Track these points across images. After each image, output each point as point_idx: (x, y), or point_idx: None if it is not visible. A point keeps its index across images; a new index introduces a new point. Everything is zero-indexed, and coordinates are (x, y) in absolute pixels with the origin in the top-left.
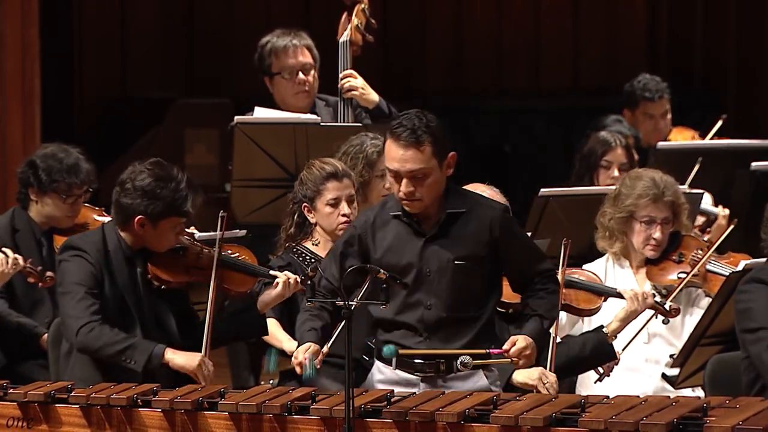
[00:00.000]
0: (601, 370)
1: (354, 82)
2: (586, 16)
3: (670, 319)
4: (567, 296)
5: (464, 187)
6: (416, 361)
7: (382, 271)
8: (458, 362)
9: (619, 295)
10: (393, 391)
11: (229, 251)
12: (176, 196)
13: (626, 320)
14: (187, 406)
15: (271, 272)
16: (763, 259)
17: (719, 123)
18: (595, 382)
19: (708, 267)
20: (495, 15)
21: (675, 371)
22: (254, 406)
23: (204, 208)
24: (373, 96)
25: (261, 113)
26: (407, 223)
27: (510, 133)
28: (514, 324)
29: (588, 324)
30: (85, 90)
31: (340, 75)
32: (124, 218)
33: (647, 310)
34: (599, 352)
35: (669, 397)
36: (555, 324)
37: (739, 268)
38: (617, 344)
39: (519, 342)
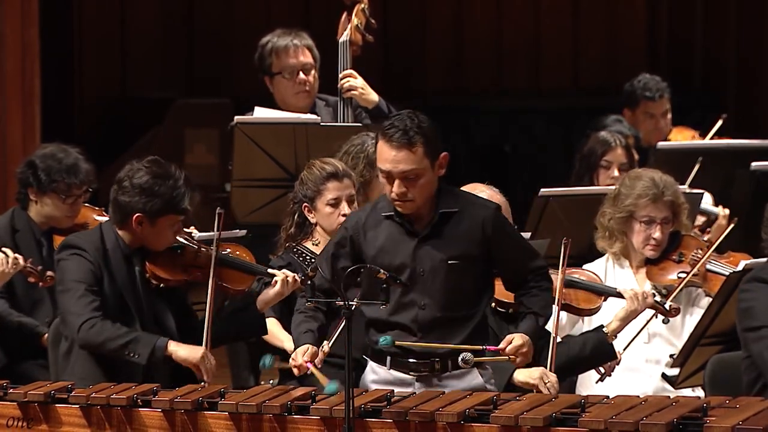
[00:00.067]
0: (602, 369)
1: (354, 82)
2: (586, 16)
3: (670, 319)
4: (567, 296)
5: (462, 188)
6: (411, 360)
7: (381, 270)
8: (460, 359)
9: (619, 295)
10: (393, 391)
11: (228, 250)
12: (174, 194)
13: (626, 320)
14: (187, 406)
15: (270, 270)
16: (764, 259)
17: (719, 123)
18: (597, 382)
19: (708, 266)
20: (495, 15)
21: (675, 371)
22: (254, 406)
23: (203, 207)
24: (373, 96)
25: (261, 113)
26: (400, 223)
27: (510, 133)
28: (514, 324)
29: (588, 324)
30: (85, 90)
31: (340, 75)
32: (122, 216)
33: (647, 309)
34: (599, 352)
35: (669, 397)
36: (555, 324)
37: (739, 267)
38: (617, 344)
39: (515, 340)
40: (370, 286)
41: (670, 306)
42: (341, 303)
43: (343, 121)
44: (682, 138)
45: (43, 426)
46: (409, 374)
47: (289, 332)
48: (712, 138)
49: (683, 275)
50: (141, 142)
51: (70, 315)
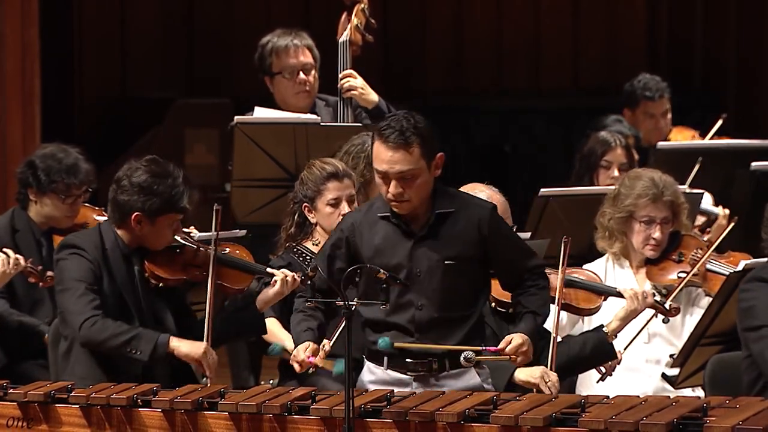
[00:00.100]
0: (603, 369)
1: (353, 82)
2: (586, 16)
3: (670, 319)
4: (567, 295)
5: (462, 187)
6: (408, 360)
7: (381, 270)
8: (462, 358)
9: (619, 295)
10: (393, 391)
11: (227, 249)
12: (173, 192)
13: (626, 319)
14: (187, 406)
15: (269, 270)
16: (764, 259)
17: (719, 122)
18: (598, 382)
19: (708, 266)
20: (495, 15)
21: (675, 371)
22: (254, 406)
23: (203, 207)
24: (373, 96)
25: (261, 113)
26: (396, 224)
27: (510, 133)
28: (513, 323)
29: (588, 323)
30: (85, 90)
31: (340, 75)
32: (121, 215)
33: (647, 309)
34: (599, 352)
35: (669, 397)
36: (555, 324)
37: (739, 267)
38: (617, 344)
39: (515, 340)
40: (369, 286)
41: (670, 305)
42: (341, 303)
43: (343, 121)
44: (682, 138)
45: (43, 426)
46: (407, 374)
47: (289, 332)
48: (712, 138)
49: (683, 275)
50: (141, 142)
51: (71, 314)
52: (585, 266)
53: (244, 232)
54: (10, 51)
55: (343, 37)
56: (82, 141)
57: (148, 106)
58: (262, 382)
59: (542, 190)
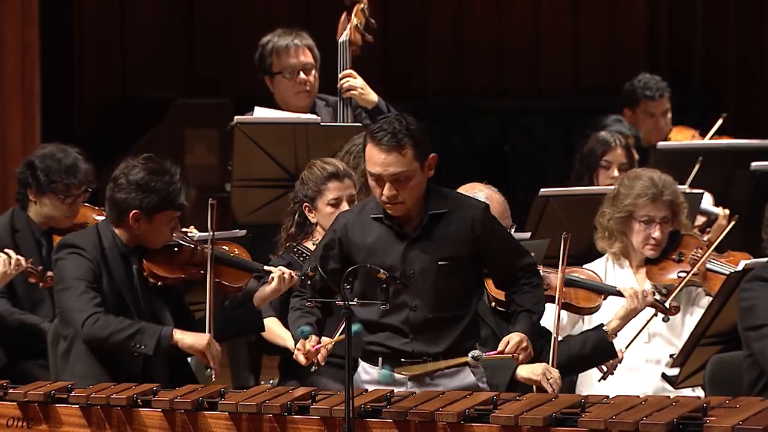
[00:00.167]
0: (604, 368)
1: (353, 82)
2: (586, 16)
3: (671, 317)
4: (567, 295)
5: (462, 187)
6: (403, 360)
7: (381, 270)
8: (470, 356)
9: (619, 294)
10: (393, 391)
11: (225, 248)
12: (170, 189)
13: (626, 318)
14: (187, 406)
15: (266, 267)
16: (764, 259)
17: (719, 122)
18: (599, 381)
19: (708, 266)
20: (495, 15)
21: (675, 371)
22: (254, 406)
23: (203, 207)
24: (372, 96)
25: (261, 113)
26: (389, 225)
27: (510, 133)
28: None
29: (588, 323)
30: (85, 90)
31: (340, 75)
32: (119, 214)
33: (647, 308)
34: (599, 351)
35: (669, 397)
36: (556, 323)
37: (739, 267)
38: (618, 343)
39: (512, 339)
40: (365, 287)
41: (670, 304)
42: (341, 303)
43: (343, 121)
44: (682, 138)
45: (43, 426)
46: (401, 374)
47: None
48: (712, 138)
49: (683, 275)
50: (141, 142)
51: (73, 312)
52: (585, 266)
53: (244, 232)
54: (10, 51)
55: (343, 37)
56: (82, 141)
57: (148, 106)
58: (262, 382)
59: (542, 190)
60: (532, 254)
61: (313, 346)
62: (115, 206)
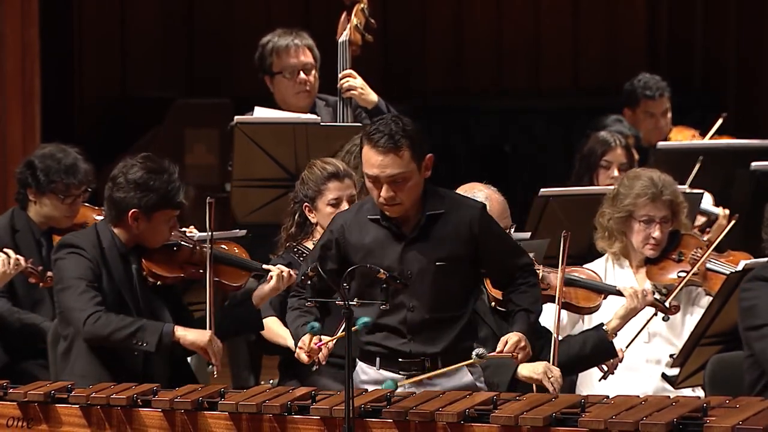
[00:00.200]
0: (605, 367)
1: (353, 82)
2: (586, 16)
3: (670, 317)
4: (567, 294)
5: (461, 187)
6: (400, 360)
7: (381, 270)
8: (474, 354)
9: (619, 293)
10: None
11: (224, 246)
12: (169, 188)
13: (626, 318)
14: (187, 406)
15: (264, 266)
16: (764, 259)
17: (719, 121)
18: (600, 380)
19: (708, 265)
20: (495, 15)
21: (675, 371)
22: (254, 406)
23: (202, 208)
24: (372, 96)
25: (261, 113)
26: (386, 227)
27: (510, 133)
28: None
29: (588, 322)
30: (85, 90)
31: (339, 75)
32: (117, 213)
33: (647, 308)
34: (599, 350)
35: (669, 397)
36: (557, 323)
37: (739, 267)
38: (618, 342)
39: (510, 339)
40: (364, 287)
41: (670, 303)
42: (341, 303)
43: (343, 121)
44: (682, 138)
45: (43, 426)
46: (399, 374)
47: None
48: (712, 138)
49: (683, 274)
50: (141, 142)
51: (74, 311)
52: (585, 266)
53: (243, 232)
54: (10, 51)
55: (343, 37)
56: (82, 141)
57: (148, 106)
58: (262, 382)
59: (542, 190)
60: (532, 254)
61: (315, 344)
62: (114, 205)
